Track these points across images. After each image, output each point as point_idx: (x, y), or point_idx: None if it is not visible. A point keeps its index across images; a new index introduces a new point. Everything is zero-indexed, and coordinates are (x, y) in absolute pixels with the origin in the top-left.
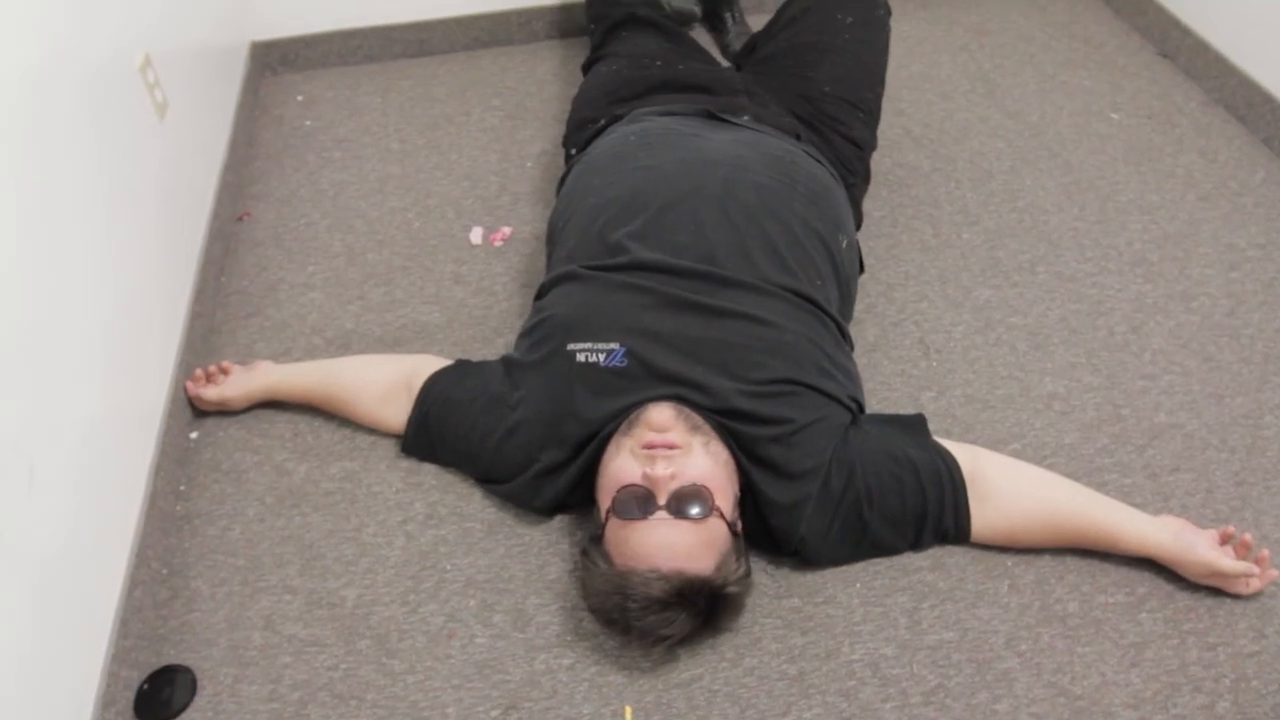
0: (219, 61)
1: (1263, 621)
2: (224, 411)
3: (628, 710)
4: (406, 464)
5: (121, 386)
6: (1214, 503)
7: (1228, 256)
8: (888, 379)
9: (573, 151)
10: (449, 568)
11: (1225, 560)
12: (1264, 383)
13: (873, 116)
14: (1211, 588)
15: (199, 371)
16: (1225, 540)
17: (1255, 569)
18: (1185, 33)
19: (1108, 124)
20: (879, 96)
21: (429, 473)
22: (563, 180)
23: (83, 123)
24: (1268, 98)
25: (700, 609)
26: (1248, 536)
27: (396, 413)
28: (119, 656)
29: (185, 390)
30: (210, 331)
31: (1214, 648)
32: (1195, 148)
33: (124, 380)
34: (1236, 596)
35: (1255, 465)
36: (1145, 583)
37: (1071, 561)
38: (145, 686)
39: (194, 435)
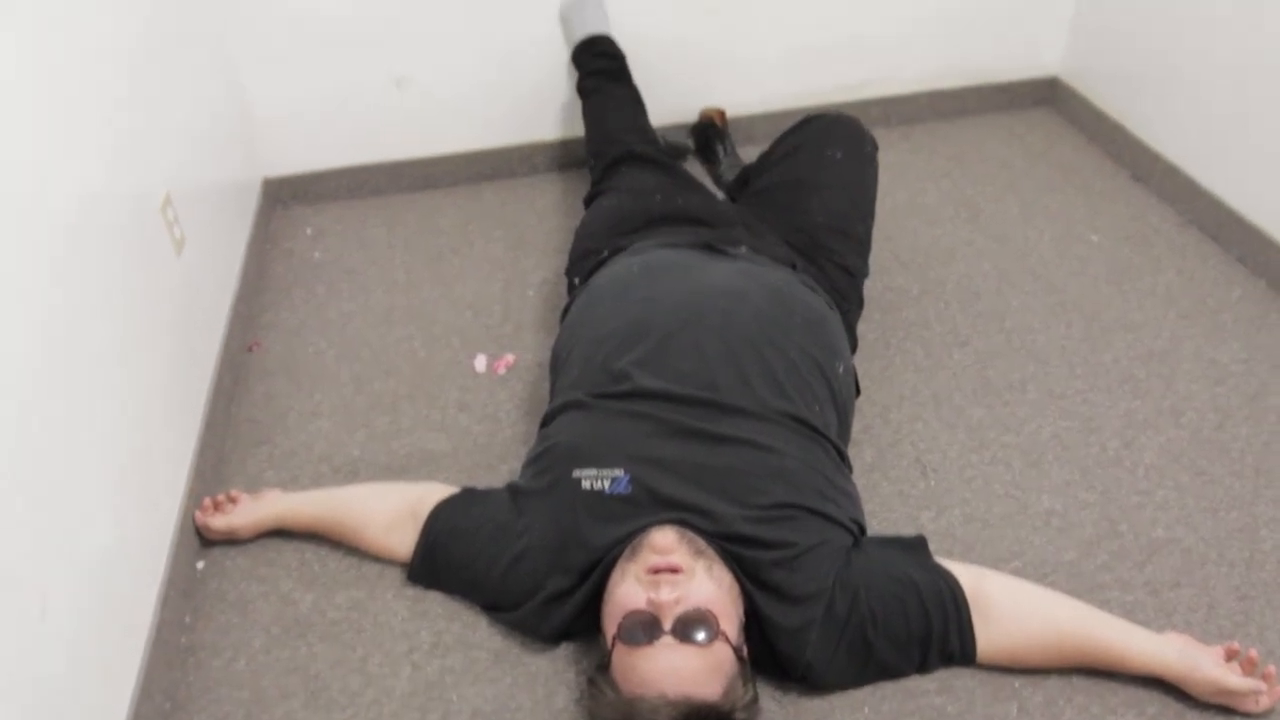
0: (233, 197)
1: None
2: (231, 541)
3: None
4: (413, 592)
5: (132, 516)
6: (1217, 618)
7: (1211, 372)
8: (887, 500)
9: (576, 281)
10: (455, 698)
11: (1232, 677)
12: (1257, 496)
13: (864, 246)
14: (1222, 706)
15: (207, 501)
16: (1231, 656)
17: (1263, 686)
18: (1155, 158)
19: (1088, 246)
20: (869, 227)
21: (435, 601)
22: (566, 309)
23: (106, 260)
24: (1237, 218)
25: None
26: (1253, 652)
27: (403, 541)
28: None
29: (194, 520)
30: (219, 460)
31: None
32: (1173, 267)
33: (135, 510)
34: (1245, 715)
35: (1255, 579)
36: (1154, 702)
37: (1079, 682)
38: None
39: (201, 565)
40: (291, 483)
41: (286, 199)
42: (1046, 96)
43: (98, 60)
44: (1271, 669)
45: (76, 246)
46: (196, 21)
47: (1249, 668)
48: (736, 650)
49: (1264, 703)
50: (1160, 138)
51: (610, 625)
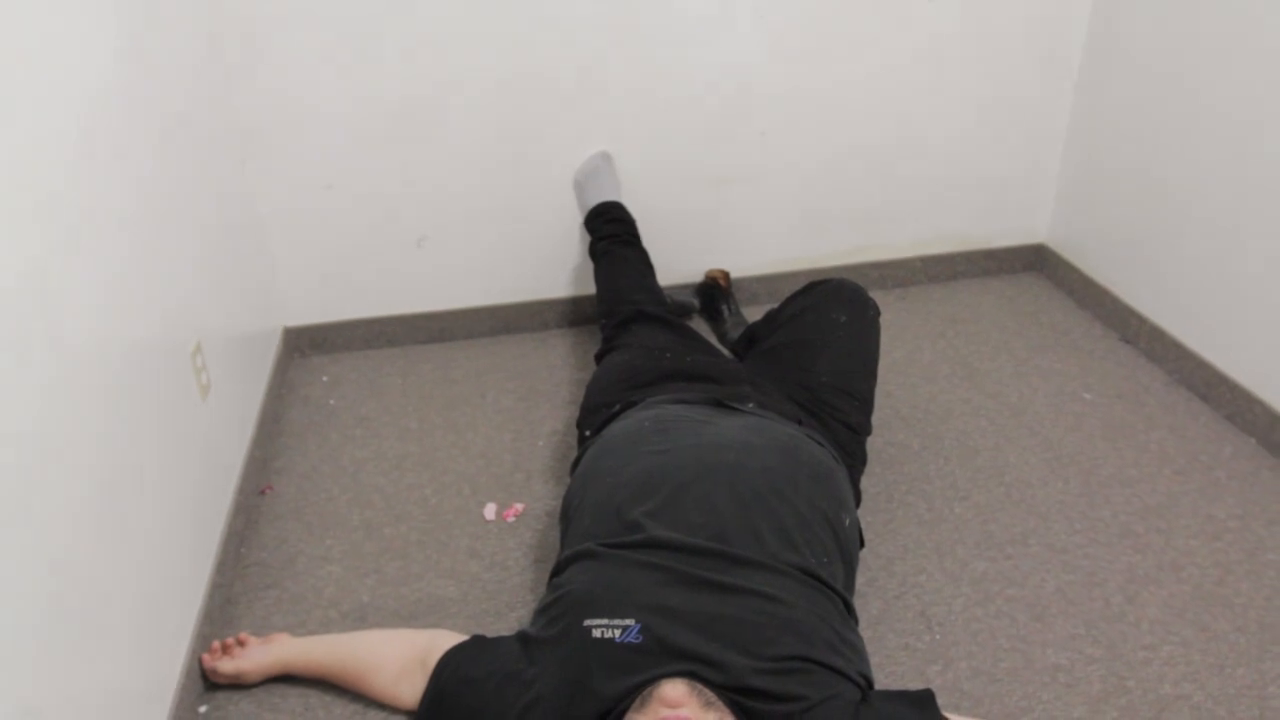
0: (256, 346)
1: None
2: (237, 685)
3: None
4: None
5: (139, 658)
6: None
7: (1209, 527)
8: (893, 653)
9: (587, 433)
10: None
11: None
12: (1263, 652)
13: (867, 405)
14: None
15: (216, 644)
16: None
17: None
18: (1142, 320)
19: (1081, 404)
20: (872, 387)
21: None
22: (577, 460)
23: (139, 405)
24: (1223, 378)
25: None
26: None
27: (411, 689)
28: None
29: (200, 662)
30: (228, 603)
31: None
32: (1165, 424)
33: (142, 652)
34: None
35: None
36: None
37: None
38: None
39: (204, 709)
40: (299, 627)
41: (305, 348)
42: (1034, 262)
43: (142, 208)
44: None
45: (107, 385)
46: (226, 177)
47: None
48: None
49: None
50: (1145, 301)
51: None
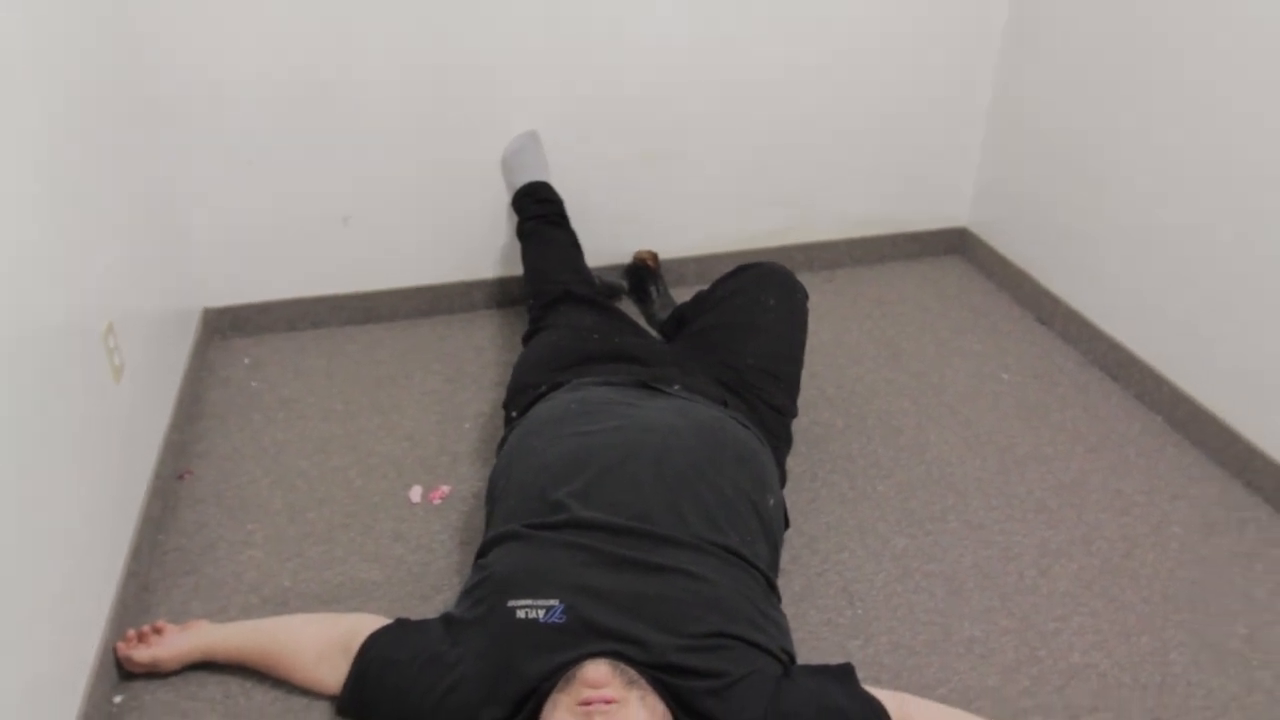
0: (173, 326)
1: None
2: (153, 673)
3: None
4: None
5: (50, 648)
6: None
7: (1118, 502)
8: (815, 629)
9: (513, 414)
10: None
11: None
12: (1166, 620)
13: (793, 387)
14: None
15: (131, 632)
16: None
17: None
18: (1057, 302)
19: (999, 383)
20: (798, 370)
21: None
22: (503, 441)
23: (44, 384)
24: (1133, 359)
25: None
26: None
27: (333, 672)
28: None
29: (115, 651)
30: (144, 590)
31: None
32: (1078, 404)
33: (54, 641)
34: None
35: (1166, 701)
36: None
37: None
38: None
39: (118, 699)
40: (219, 613)
41: (226, 329)
42: (956, 245)
43: (45, 185)
44: None
45: (14, 369)
46: (139, 153)
47: None
48: None
49: None
50: (1061, 285)
51: None
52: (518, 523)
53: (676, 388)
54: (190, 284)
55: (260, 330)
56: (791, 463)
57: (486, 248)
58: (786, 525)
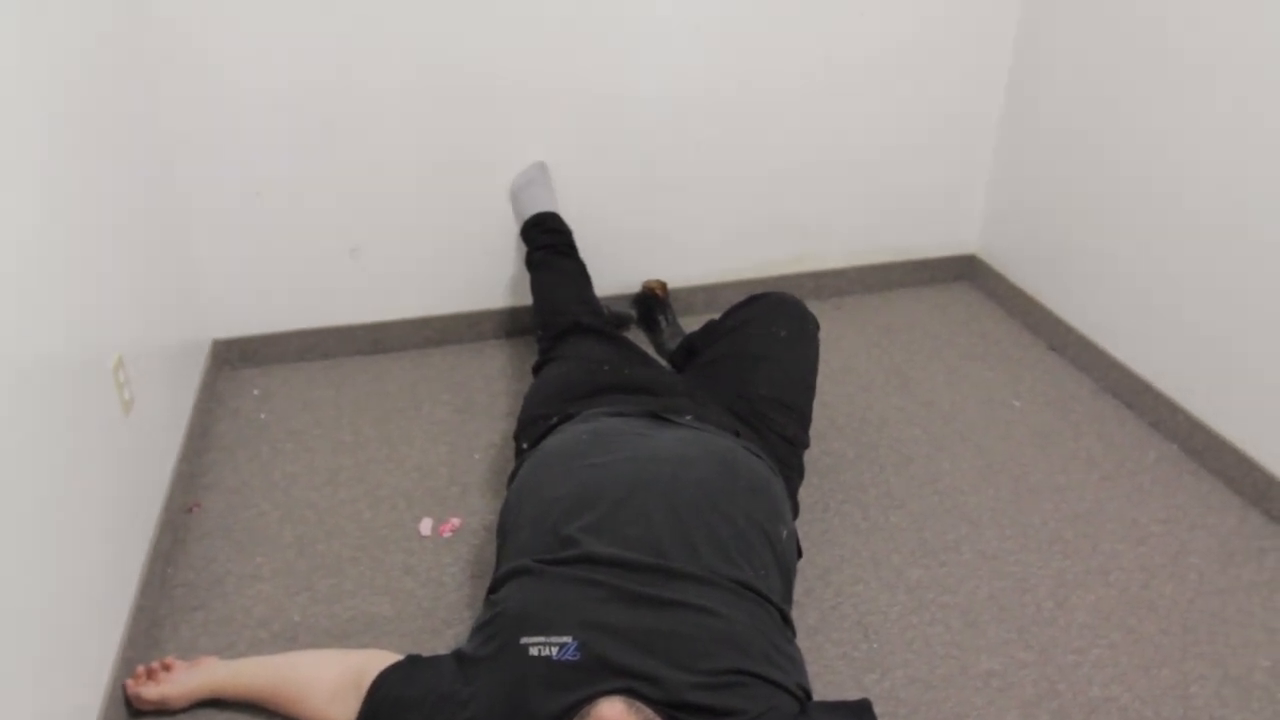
0: (182, 358)
1: None
2: (162, 711)
3: None
4: None
5: (58, 686)
6: None
7: (1134, 532)
8: (830, 663)
9: (524, 445)
10: None
11: None
12: (1186, 652)
13: (805, 418)
14: None
15: (140, 669)
16: None
17: None
18: (1069, 330)
19: (1011, 411)
20: (810, 400)
21: None
22: (514, 473)
23: (54, 417)
24: (1147, 386)
25: None
26: None
27: (345, 712)
28: None
29: (124, 689)
30: (153, 625)
31: None
32: (1092, 432)
33: (62, 679)
34: None
35: None
36: None
37: None
38: None
39: None
40: (228, 649)
41: (235, 360)
42: (965, 272)
43: (54, 218)
44: None
45: (24, 402)
46: (148, 185)
47: None
48: None
49: None
50: (1072, 311)
51: None
52: (529, 558)
53: (688, 418)
54: (199, 316)
55: (269, 361)
56: (803, 493)
57: (495, 278)
58: (799, 556)
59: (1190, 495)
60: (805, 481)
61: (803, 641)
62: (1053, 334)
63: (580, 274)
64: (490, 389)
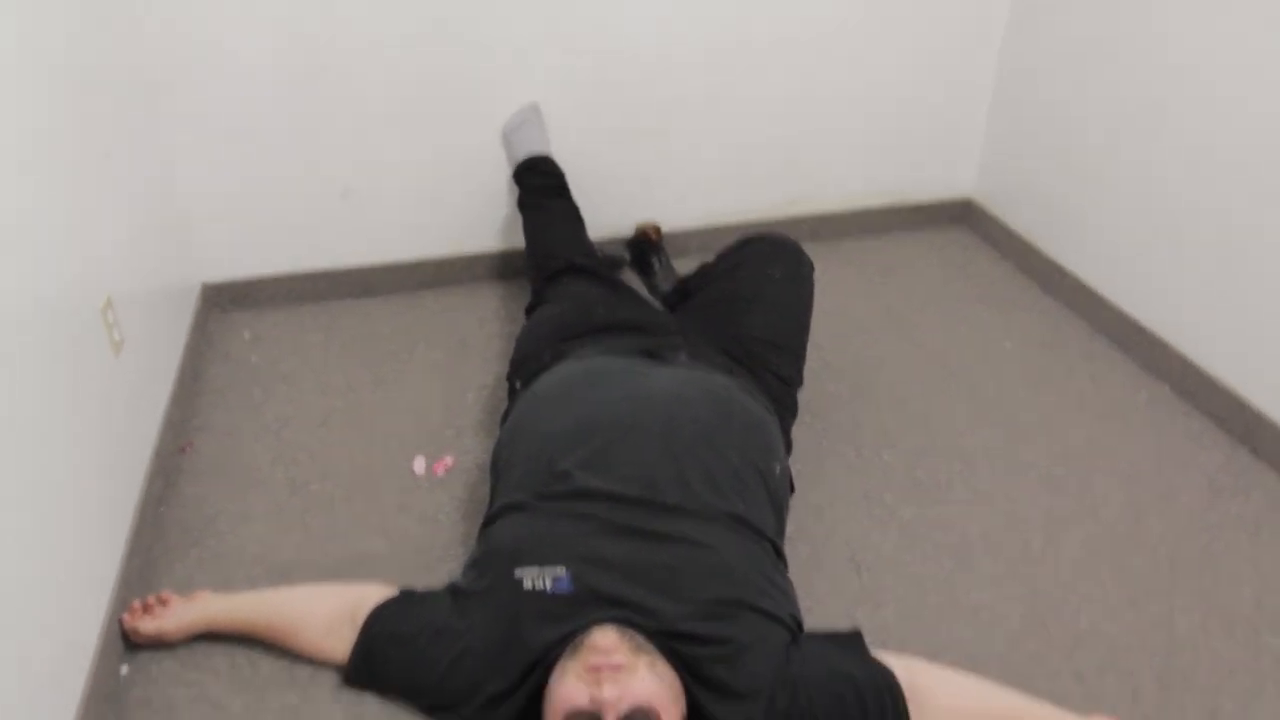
0: (172, 301)
1: None
2: (159, 644)
3: None
4: (349, 696)
5: (53, 619)
6: (1140, 703)
7: (1125, 470)
8: (822, 597)
9: (517, 385)
10: None
11: None
12: (1173, 587)
13: (799, 358)
14: None
15: (136, 604)
16: None
17: None
18: (1063, 273)
19: (1005, 353)
20: (804, 340)
21: (372, 704)
22: (507, 412)
23: (44, 359)
24: (1140, 328)
25: None
26: None
27: (340, 644)
28: None
29: (120, 623)
30: (147, 564)
31: None
32: (1085, 373)
33: (57, 615)
34: None
35: (1174, 665)
36: None
37: None
38: None
39: (125, 670)
40: (223, 586)
41: (225, 304)
42: (962, 216)
43: (37, 160)
44: None
45: (13, 344)
46: (137, 128)
47: None
48: None
49: None
50: (1066, 254)
51: None
52: (523, 493)
53: (682, 357)
54: (189, 259)
55: (260, 305)
56: (796, 433)
57: (488, 220)
58: (792, 491)
59: (1181, 434)
60: (799, 421)
61: (794, 576)
62: (1047, 277)
63: (573, 216)
64: (483, 331)
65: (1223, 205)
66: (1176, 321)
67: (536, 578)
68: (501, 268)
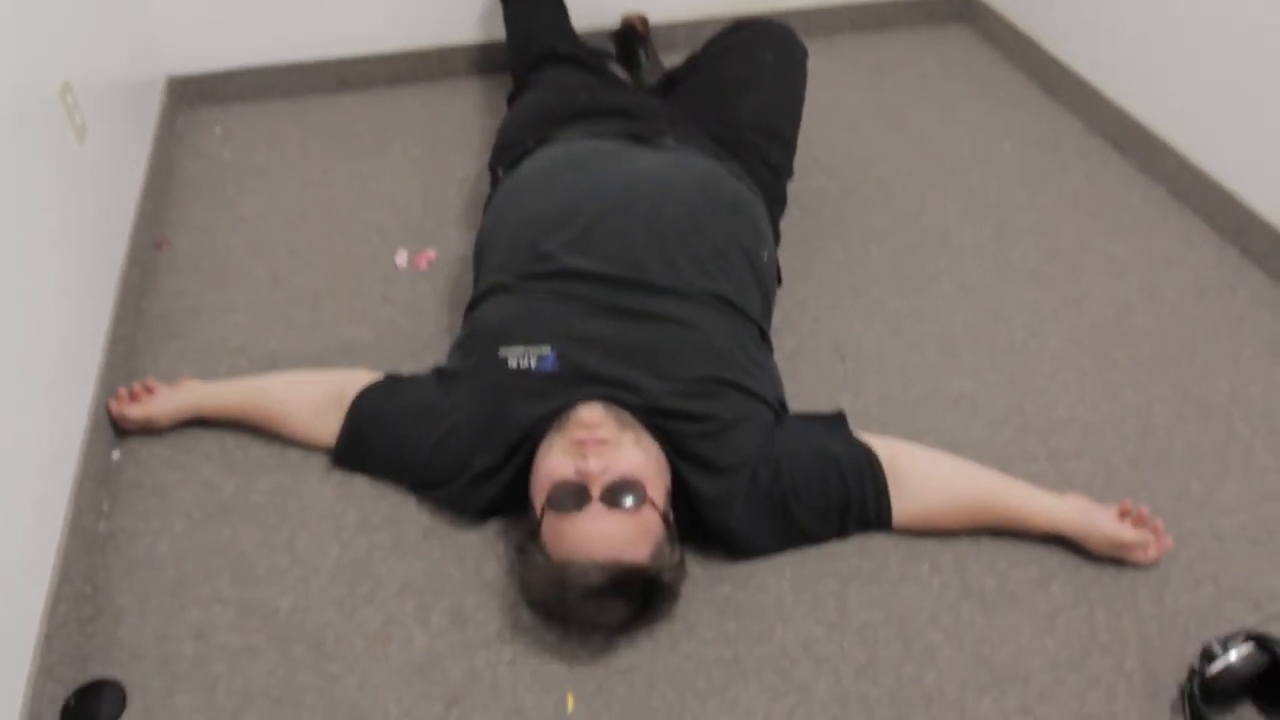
0: (136, 94)
1: (1161, 587)
2: (148, 431)
3: (570, 698)
4: (338, 476)
5: (38, 407)
6: (1112, 484)
7: (1112, 267)
8: (806, 384)
9: (500, 172)
10: (384, 572)
11: (1125, 531)
12: (1152, 377)
13: (790, 147)
14: (1114, 559)
15: (122, 390)
16: (1124, 515)
17: (1152, 538)
18: (1064, 71)
19: (1000, 152)
20: (795, 129)
21: (361, 483)
22: (489, 199)
23: (7, 142)
24: (1139, 127)
25: (637, 597)
26: (1144, 509)
27: (327, 427)
28: (44, 671)
29: (108, 410)
30: (131, 354)
31: (1119, 613)
32: (1079, 172)
33: (41, 401)
34: (1137, 566)
35: (1147, 449)
36: (1054, 557)
37: (986, 542)
38: (71, 702)
39: (116, 455)
40: (208, 375)
41: (193, 99)
42: (962, 12)
43: None
44: (1159, 523)
45: None
46: None
47: (1140, 523)
48: (663, 516)
49: (1152, 553)
50: (1069, 52)
51: (539, 495)
52: (507, 275)
53: (669, 141)
54: (151, 49)
55: (229, 100)
56: (784, 227)
57: (466, 10)
58: (779, 282)
59: (1171, 233)
60: (786, 215)
61: (780, 365)
62: (1048, 76)
63: (556, 3)
64: (464, 126)
65: (1226, 1)
66: (1178, 120)
67: (522, 356)
68: (481, 61)
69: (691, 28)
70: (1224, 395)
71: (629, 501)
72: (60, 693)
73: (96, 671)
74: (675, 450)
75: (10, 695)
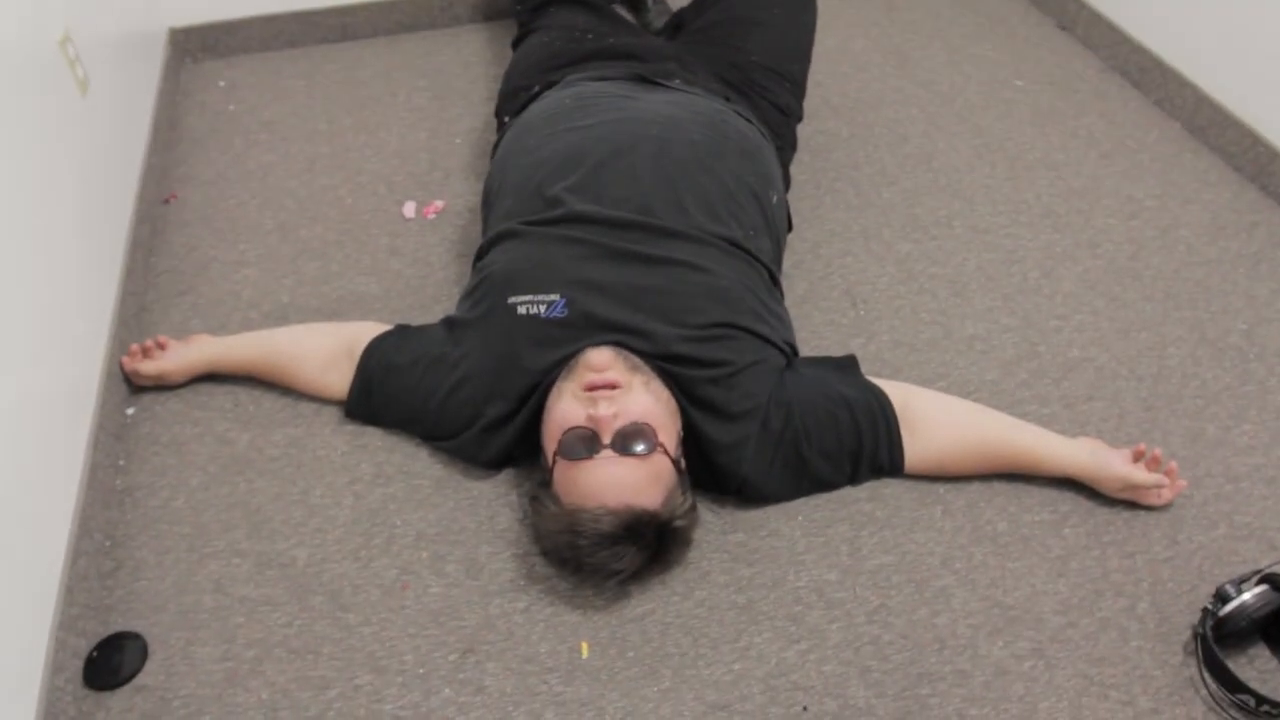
0: (138, 46)
1: (1174, 529)
2: (161, 386)
3: (584, 646)
4: (351, 428)
5: (52, 364)
6: (1126, 426)
7: (1128, 207)
8: (818, 329)
9: (506, 119)
10: (399, 523)
11: (1139, 473)
12: (1166, 318)
13: (799, 88)
14: (1127, 501)
15: (134, 347)
16: (1138, 457)
17: (1166, 480)
18: (1081, 5)
19: (1013, 91)
20: (805, 70)
21: (374, 435)
22: (496, 146)
23: (5, 92)
24: (1158, 62)
25: (649, 542)
26: (1158, 451)
27: (339, 380)
28: (66, 624)
29: (121, 366)
30: (142, 310)
31: (1132, 555)
32: (1095, 110)
33: (55, 358)
34: (1150, 508)
35: (1161, 391)
36: (1067, 501)
37: (999, 486)
38: (95, 654)
39: (131, 411)
40: (219, 330)
41: (196, 51)
42: None
43: None
44: (1173, 465)
45: None
46: None
47: (1153, 465)
48: (675, 462)
49: (1165, 495)
50: None
51: (550, 443)
52: (514, 221)
53: (677, 83)
54: (153, 2)
55: (232, 51)
56: (794, 171)
57: None
58: (790, 228)
59: (1188, 172)
60: (796, 160)
61: (791, 309)
62: (1063, 12)
63: None
64: (468, 74)
65: None
66: (1198, 56)
67: (531, 304)
68: (485, 7)
69: None
70: (1239, 334)
71: (640, 447)
72: (83, 646)
73: (118, 624)
74: (686, 396)
75: (34, 647)
